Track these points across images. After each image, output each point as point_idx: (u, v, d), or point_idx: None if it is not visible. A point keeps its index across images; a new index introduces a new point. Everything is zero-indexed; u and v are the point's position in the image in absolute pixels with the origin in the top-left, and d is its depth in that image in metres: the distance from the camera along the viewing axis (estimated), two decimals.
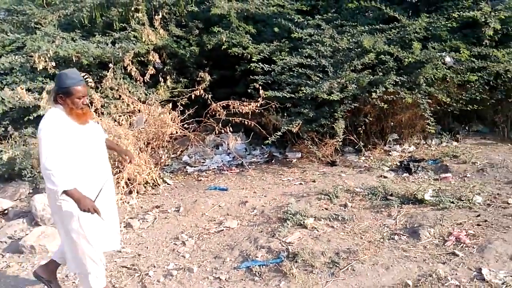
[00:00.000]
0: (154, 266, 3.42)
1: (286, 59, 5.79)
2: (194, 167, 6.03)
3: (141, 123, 5.13)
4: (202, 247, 3.65)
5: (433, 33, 5.86)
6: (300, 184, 4.96)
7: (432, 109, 5.45)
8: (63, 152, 2.44)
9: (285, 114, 5.78)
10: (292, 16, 6.39)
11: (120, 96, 5.58)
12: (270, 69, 5.81)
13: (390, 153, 5.81)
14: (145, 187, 5.07)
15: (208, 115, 5.68)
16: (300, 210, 3.90)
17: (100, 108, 5.22)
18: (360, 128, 5.80)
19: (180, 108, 5.58)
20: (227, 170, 5.75)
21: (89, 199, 2.50)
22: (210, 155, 6.34)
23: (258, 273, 3.10)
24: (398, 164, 5.26)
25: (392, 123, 6.01)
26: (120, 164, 4.80)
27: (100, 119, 4.80)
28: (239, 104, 5.56)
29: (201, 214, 4.32)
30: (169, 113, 5.32)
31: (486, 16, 5.66)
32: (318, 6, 7.08)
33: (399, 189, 4.25)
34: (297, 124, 5.43)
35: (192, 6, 6.84)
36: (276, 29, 6.46)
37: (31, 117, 5.37)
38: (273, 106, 5.80)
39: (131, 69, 5.73)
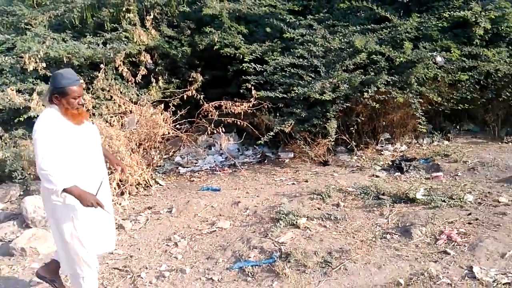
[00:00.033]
0: (146, 268, 3.40)
1: (278, 59, 5.79)
2: (187, 167, 6.01)
3: (133, 124, 5.10)
4: (195, 248, 3.64)
5: (424, 33, 5.90)
6: (293, 184, 4.96)
7: (423, 108, 5.48)
8: (59, 152, 2.41)
9: (278, 114, 5.79)
10: (284, 16, 6.40)
11: (111, 97, 5.55)
12: (262, 69, 5.81)
13: (382, 152, 5.83)
14: (137, 188, 5.04)
15: (201, 116, 5.67)
16: (292, 210, 3.90)
17: (91, 109, 5.19)
18: (352, 128, 5.82)
19: (172, 108, 5.56)
20: (220, 171, 5.74)
21: (91, 193, 2.49)
22: (202, 156, 6.33)
23: (251, 273, 3.10)
24: (390, 163, 5.28)
25: (384, 123, 6.04)
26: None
27: (92, 120, 4.76)
28: (232, 105, 5.55)
29: (194, 215, 4.30)
30: (161, 114, 5.30)
31: (476, 16, 5.71)
32: (310, 6, 7.10)
33: (391, 188, 4.27)
34: (289, 124, 5.43)
35: (183, 6, 6.82)
36: (268, 29, 6.46)
37: (22, 119, 5.32)
38: (266, 106, 5.79)
39: (122, 69, 5.71)
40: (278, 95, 5.50)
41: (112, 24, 6.55)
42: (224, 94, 6.28)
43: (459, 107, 5.77)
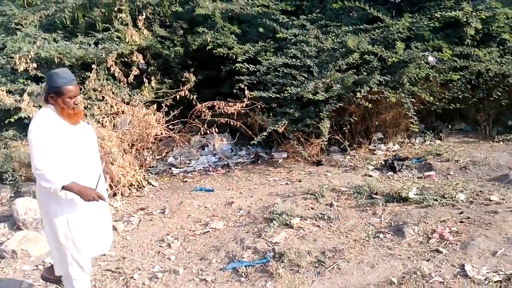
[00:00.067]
0: (139, 269, 3.38)
1: (271, 59, 5.80)
2: (180, 168, 5.99)
3: (125, 125, 5.07)
4: (188, 249, 3.62)
5: (416, 33, 5.94)
6: (286, 184, 4.96)
7: (415, 108, 5.52)
8: (55, 152, 2.39)
9: (271, 114, 5.79)
10: (277, 17, 6.41)
11: (103, 97, 5.51)
12: (255, 70, 5.81)
13: (375, 152, 5.86)
14: (129, 189, 5.01)
15: (193, 116, 5.65)
16: (286, 210, 3.90)
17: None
18: (345, 128, 5.84)
19: (164, 109, 5.54)
20: (213, 171, 5.73)
21: (90, 188, 2.47)
22: (195, 156, 6.31)
23: (245, 273, 3.09)
24: (383, 163, 5.30)
25: (376, 122, 6.07)
26: None
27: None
28: (225, 105, 5.54)
29: (187, 216, 4.28)
30: (154, 114, 5.27)
31: (467, 16, 5.77)
32: (302, 7, 7.12)
33: (383, 187, 4.28)
34: (282, 124, 5.44)
35: (176, 6, 6.80)
36: (261, 29, 6.46)
37: (12, 120, 5.27)
38: (259, 107, 5.80)
39: (114, 70, 5.67)
40: (271, 95, 5.50)
41: (104, 24, 6.51)
42: (217, 94, 6.27)
43: (450, 107, 5.81)
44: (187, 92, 5.67)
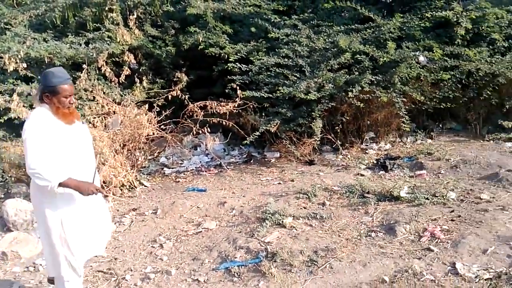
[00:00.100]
0: (131, 270, 3.36)
1: (263, 59, 5.80)
2: (172, 168, 5.97)
3: (117, 125, 5.03)
4: (180, 249, 3.61)
5: (407, 32, 5.98)
6: (279, 183, 4.96)
7: (407, 107, 5.55)
8: (49, 152, 2.36)
9: (263, 114, 5.79)
10: (269, 16, 6.41)
11: (94, 97, 5.46)
12: (247, 69, 5.80)
13: (366, 151, 5.88)
14: (121, 189, 4.97)
15: (186, 116, 5.62)
16: (278, 210, 3.90)
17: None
18: (337, 127, 5.86)
19: (156, 109, 5.51)
20: (206, 171, 5.71)
21: (88, 182, 2.46)
22: (188, 156, 6.29)
23: (237, 273, 3.09)
24: (375, 162, 5.33)
25: (368, 122, 6.10)
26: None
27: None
28: (217, 105, 5.53)
29: (179, 216, 4.27)
30: (146, 114, 5.24)
31: (458, 16, 5.82)
32: (294, 6, 7.13)
33: (375, 186, 4.31)
34: (275, 124, 5.44)
35: (167, 6, 6.77)
36: (253, 29, 6.46)
37: (2, 120, 5.20)
38: (251, 106, 5.79)
39: (105, 70, 5.62)
40: (263, 95, 5.50)
41: (95, 24, 6.46)
42: (209, 94, 6.25)
43: (441, 106, 5.86)
44: (179, 92, 5.64)
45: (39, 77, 5.53)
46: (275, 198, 4.41)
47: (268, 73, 5.76)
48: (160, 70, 6.98)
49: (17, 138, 5.24)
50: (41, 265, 3.51)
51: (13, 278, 3.37)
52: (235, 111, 5.60)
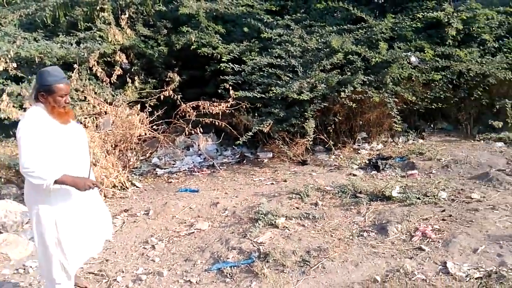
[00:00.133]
0: (123, 271, 3.33)
1: (256, 59, 5.80)
2: (164, 169, 5.94)
3: (108, 125, 5.00)
4: (172, 250, 3.59)
5: (398, 33, 6.01)
6: (272, 184, 4.96)
7: (398, 107, 5.58)
8: (44, 151, 2.34)
9: (256, 114, 5.79)
10: (262, 16, 6.42)
11: (85, 97, 5.42)
12: (240, 69, 5.80)
13: (359, 151, 5.91)
14: (113, 190, 4.93)
15: (178, 116, 5.60)
16: (271, 210, 3.90)
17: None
18: (330, 127, 5.87)
19: (148, 109, 5.48)
20: (198, 172, 5.69)
21: (83, 177, 2.44)
22: (180, 157, 6.26)
23: (230, 274, 3.08)
24: (367, 162, 5.35)
25: (360, 122, 6.12)
26: None
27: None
28: (209, 105, 5.52)
29: (172, 217, 4.24)
30: (137, 115, 5.21)
31: (449, 16, 5.87)
32: (287, 7, 7.14)
33: (367, 186, 4.32)
34: (268, 124, 5.44)
35: (159, 5, 6.76)
36: (245, 29, 6.46)
37: None
38: (244, 107, 5.79)
39: (96, 69, 5.58)
40: (256, 95, 5.50)
41: (86, 23, 6.42)
42: (202, 94, 6.24)
43: (433, 106, 5.90)
44: (171, 92, 5.61)
45: (29, 77, 5.51)
46: (268, 198, 4.40)
47: (261, 73, 5.76)
48: (152, 70, 6.95)
49: (7, 139, 5.19)
50: (31, 267, 3.46)
51: (2, 280, 3.33)
52: (227, 111, 5.59)
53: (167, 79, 6.29)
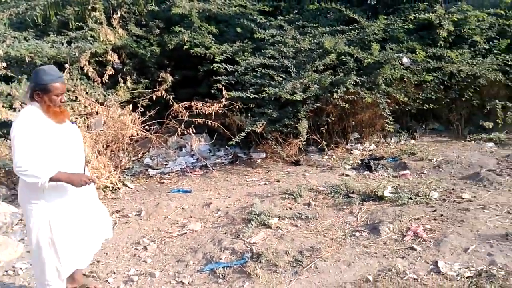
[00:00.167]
0: (114, 273, 3.30)
1: (249, 60, 5.80)
2: (157, 169, 5.91)
3: (100, 125, 4.96)
4: (165, 251, 3.57)
5: (391, 34, 6.05)
6: (265, 184, 4.96)
7: (390, 108, 5.62)
8: (38, 150, 2.32)
9: (249, 115, 5.79)
10: (255, 17, 6.41)
11: (76, 97, 5.37)
12: (233, 70, 5.79)
13: (351, 151, 5.93)
14: (104, 191, 4.89)
15: (170, 116, 5.57)
16: (264, 210, 3.89)
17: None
18: (322, 128, 5.89)
19: (140, 109, 5.44)
20: (191, 172, 5.67)
21: (79, 173, 2.43)
22: (173, 157, 6.24)
23: (222, 275, 3.06)
24: (359, 162, 5.37)
25: (353, 123, 6.15)
26: None
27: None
28: (202, 105, 5.49)
29: (164, 218, 4.22)
30: (129, 115, 5.17)
31: (440, 18, 5.92)
32: (280, 7, 7.15)
33: (360, 186, 4.34)
34: (261, 125, 5.43)
35: (152, 5, 6.73)
36: (238, 30, 6.46)
37: None
38: (237, 107, 5.78)
39: (88, 69, 5.54)
40: (249, 95, 5.50)
41: (77, 23, 6.37)
42: (194, 94, 6.21)
43: (424, 107, 5.95)
44: (163, 92, 5.58)
45: (19, 76, 5.45)
46: (260, 198, 4.40)
47: (254, 73, 5.76)
48: (145, 70, 6.92)
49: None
50: (20, 268, 3.42)
51: None
52: (220, 111, 5.57)
53: (159, 79, 6.26)
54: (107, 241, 3.66)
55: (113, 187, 4.97)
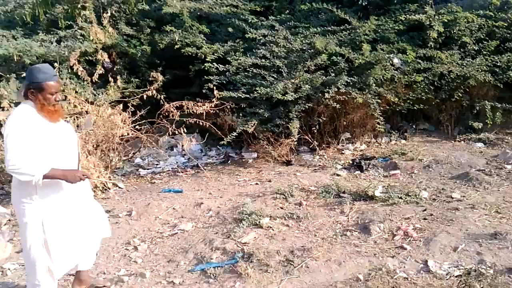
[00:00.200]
0: (104, 273, 3.27)
1: (240, 60, 5.79)
2: (147, 169, 5.87)
3: (89, 125, 4.91)
4: (155, 251, 3.54)
5: (381, 35, 6.09)
6: (256, 184, 4.95)
7: (381, 108, 5.65)
8: (31, 149, 2.29)
9: (241, 115, 5.77)
10: (246, 17, 6.40)
11: (66, 97, 5.31)
12: (224, 69, 5.78)
13: (343, 151, 5.95)
14: (94, 191, 4.83)
15: (161, 116, 5.54)
16: (255, 210, 3.89)
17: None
18: (314, 128, 5.90)
19: (131, 109, 5.40)
20: (182, 172, 5.64)
21: (73, 169, 2.41)
22: (164, 157, 6.20)
23: (213, 275, 3.05)
24: (351, 162, 5.39)
25: (344, 123, 6.17)
26: None
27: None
28: (193, 105, 5.47)
29: (155, 218, 4.19)
30: (120, 114, 5.13)
31: (430, 19, 5.97)
32: (271, 7, 7.15)
33: (351, 186, 4.36)
34: (252, 124, 5.43)
35: (142, 4, 6.69)
36: (230, 29, 6.45)
37: None
38: (228, 107, 5.76)
39: (77, 68, 5.47)
40: (240, 95, 5.49)
41: (67, 22, 6.31)
42: (186, 94, 6.18)
43: (415, 107, 6.00)
44: (154, 91, 5.55)
45: (8, 75, 5.38)
46: (252, 198, 4.39)
47: (246, 73, 5.75)
48: (135, 70, 6.87)
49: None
50: (9, 269, 3.37)
51: None
52: (212, 111, 5.55)
53: (150, 79, 6.22)
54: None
55: (103, 187, 4.93)
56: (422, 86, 5.90)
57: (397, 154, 5.41)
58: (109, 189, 4.97)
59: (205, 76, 5.80)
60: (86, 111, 5.07)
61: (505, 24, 6.11)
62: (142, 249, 3.59)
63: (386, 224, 3.45)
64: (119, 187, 5.14)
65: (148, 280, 3.11)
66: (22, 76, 4.82)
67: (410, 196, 3.97)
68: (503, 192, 4.08)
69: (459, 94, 6.00)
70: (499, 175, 4.54)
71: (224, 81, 5.76)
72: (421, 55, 5.86)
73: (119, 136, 5.12)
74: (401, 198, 3.92)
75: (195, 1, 6.52)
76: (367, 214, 3.69)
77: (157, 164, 6.07)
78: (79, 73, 5.56)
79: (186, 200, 4.55)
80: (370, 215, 3.65)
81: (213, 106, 5.49)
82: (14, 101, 4.85)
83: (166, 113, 5.49)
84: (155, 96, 5.56)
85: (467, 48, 6.10)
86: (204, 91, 5.80)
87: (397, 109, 6.12)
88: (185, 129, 5.36)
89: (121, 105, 5.35)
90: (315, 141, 5.89)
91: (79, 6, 6.25)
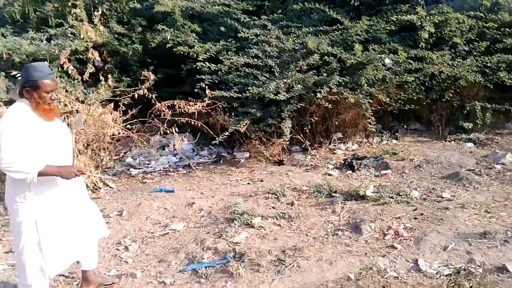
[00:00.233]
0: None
1: (233, 59, 5.77)
2: (139, 169, 5.84)
3: (80, 124, 4.86)
4: (146, 251, 3.52)
5: (373, 35, 6.12)
6: (248, 183, 4.95)
7: (373, 108, 5.68)
8: (25, 147, 2.26)
9: (233, 114, 5.76)
10: (238, 16, 6.39)
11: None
12: (216, 69, 5.76)
13: (334, 151, 5.97)
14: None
15: (153, 115, 5.50)
16: (247, 210, 3.89)
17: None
18: (306, 128, 5.91)
19: (122, 108, 5.36)
20: (174, 172, 5.62)
21: (68, 165, 2.40)
22: (155, 157, 6.17)
23: (204, 275, 3.04)
24: (342, 162, 5.41)
25: (336, 123, 6.19)
26: None
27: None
28: (185, 104, 5.44)
29: (146, 218, 4.17)
30: (111, 113, 5.08)
31: (421, 20, 6.01)
32: (264, 7, 7.15)
33: (343, 186, 4.37)
34: (244, 124, 5.42)
35: (134, 2, 6.64)
36: (222, 28, 6.43)
37: None
38: (220, 106, 5.74)
39: (68, 67, 5.42)
40: (233, 94, 5.48)
41: (57, 20, 6.25)
42: (178, 93, 6.16)
43: (406, 107, 6.04)
44: (146, 90, 5.51)
45: None
46: (244, 198, 4.39)
47: (238, 73, 5.75)
48: (127, 68, 6.83)
49: None
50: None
51: None
52: (204, 110, 5.53)
53: (142, 78, 6.18)
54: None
55: (93, 187, 4.89)
56: (413, 87, 5.94)
57: (388, 154, 5.45)
58: (100, 188, 4.94)
59: (197, 75, 5.78)
60: (77, 110, 5.01)
61: (495, 25, 6.18)
62: (133, 249, 3.57)
63: (377, 224, 3.47)
64: (110, 187, 5.10)
65: (139, 280, 3.09)
66: (12, 74, 4.75)
67: (401, 195, 3.99)
68: (493, 192, 4.12)
69: (450, 94, 6.05)
70: (488, 175, 4.59)
71: (216, 81, 5.74)
72: (413, 55, 5.90)
73: (110, 136, 5.07)
74: (392, 197, 3.94)
75: (187, 0, 6.49)
76: (358, 214, 3.70)
77: (148, 164, 6.03)
78: (70, 72, 5.50)
79: (178, 200, 4.53)
80: (361, 215, 3.66)
81: (205, 105, 5.47)
82: (2, 99, 4.78)
83: (158, 112, 5.45)
84: (146, 95, 5.52)
85: (458, 49, 6.15)
86: (196, 90, 5.78)
87: (389, 109, 6.15)
88: (176, 129, 5.33)
89: (112, 104, 5.31)
90: (307, 141, 5.91)
91: (69, 4, 6.19)
